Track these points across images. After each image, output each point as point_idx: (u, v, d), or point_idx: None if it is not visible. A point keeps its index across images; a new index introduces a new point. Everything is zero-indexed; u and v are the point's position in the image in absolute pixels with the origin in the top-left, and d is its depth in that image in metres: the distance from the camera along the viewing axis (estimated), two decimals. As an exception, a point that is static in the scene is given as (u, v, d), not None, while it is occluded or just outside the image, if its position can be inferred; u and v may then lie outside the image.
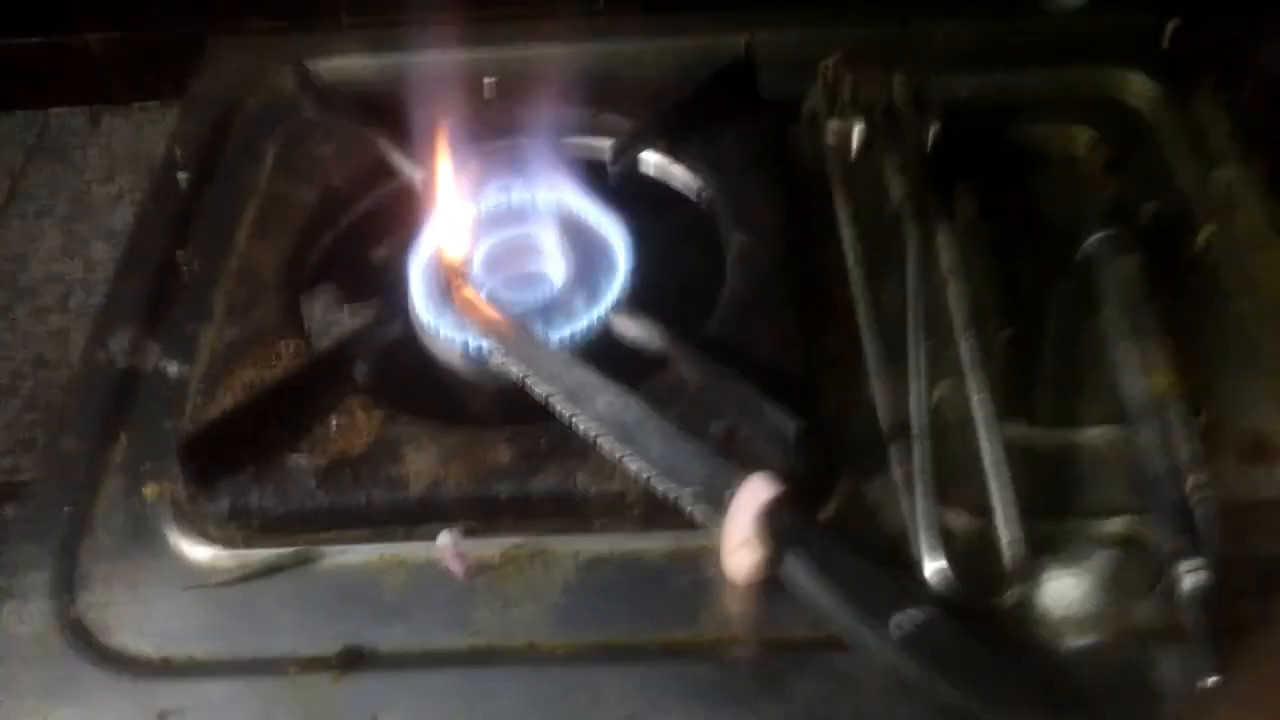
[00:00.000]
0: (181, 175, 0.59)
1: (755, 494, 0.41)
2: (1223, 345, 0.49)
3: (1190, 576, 0.40)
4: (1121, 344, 0.48)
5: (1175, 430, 0.44)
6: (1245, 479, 0.44)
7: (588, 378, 0.45)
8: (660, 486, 0.42)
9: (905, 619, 0.38)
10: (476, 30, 0.65)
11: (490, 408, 0.49)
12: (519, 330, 0.47)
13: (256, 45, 0.68)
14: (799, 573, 0.40)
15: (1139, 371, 0.46)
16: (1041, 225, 0.54)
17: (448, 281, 0.50)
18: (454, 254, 0.51)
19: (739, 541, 0.40)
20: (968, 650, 0.38)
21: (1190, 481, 0.42)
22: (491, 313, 0.48)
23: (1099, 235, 0.51)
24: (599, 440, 0.43)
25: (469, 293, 0.49)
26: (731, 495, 0.41)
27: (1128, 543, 0.42)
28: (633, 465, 0.43)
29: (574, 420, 0.44)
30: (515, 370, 0.46)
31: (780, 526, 0.40)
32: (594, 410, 0.44)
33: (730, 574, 0.41)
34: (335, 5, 0.76)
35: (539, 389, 0.45)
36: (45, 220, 0.79)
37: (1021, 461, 0.44)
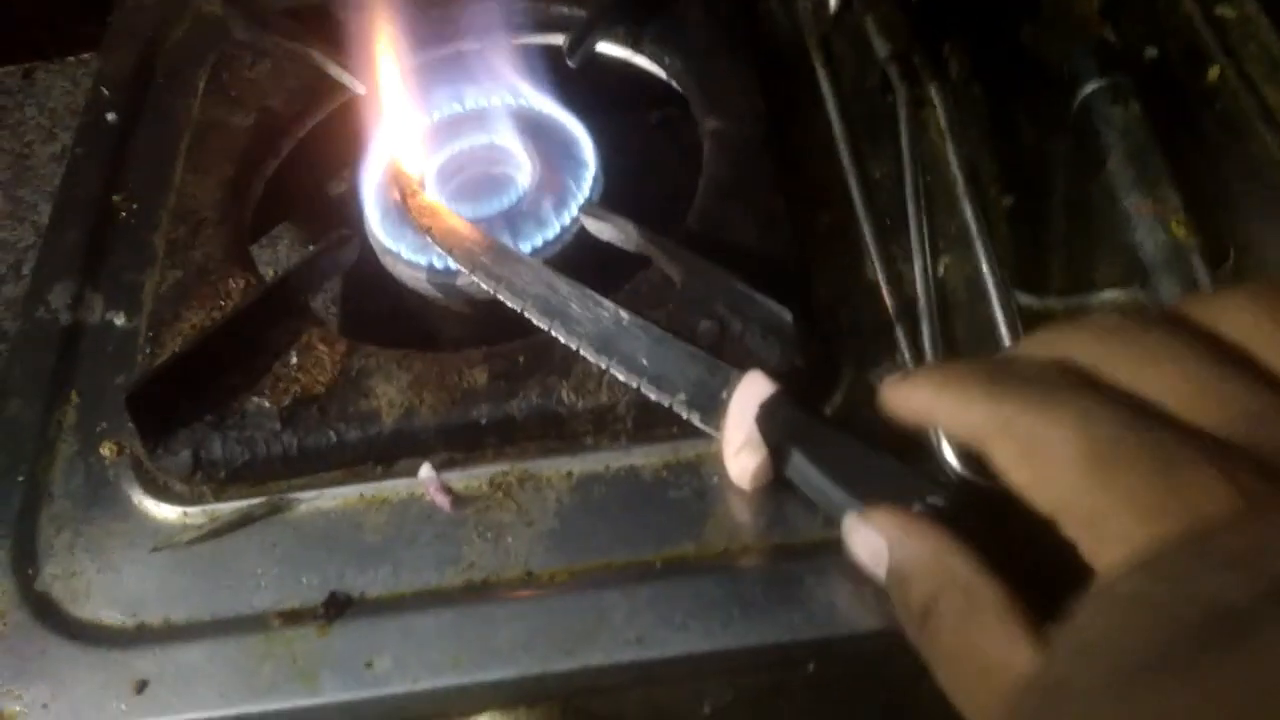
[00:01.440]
0: (110, 116, 0.55)
1: (753, 392, 0.38)
2: (1243, 186, 0.46)
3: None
4: (1130, 196, 0.44)
5: (1200, 281, 0.41)
6: None
7: (564, 286, 0.42)
8: (651, 394, 0.40)
9: (926, 507, 0.35)
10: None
11: (460, 328, 0.46)
12: (486, 242, 0.44)
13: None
14: (807, 471, 0.37)
15: (1153, 223, 0.43)
16: (1037, 78, 0.50)
17: (404, 197, 0.46)
18: (409, 168, 0.47)
19: (740, 444, 0.38)
20: (995, 535, 0.35)
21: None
22: (455, 224, 0.45)
23: (1095, 85, 0.47)
24: (581, 352, 0.40)
25: (430, 203, 0.46)
26: (728, 396, 0.38)
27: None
28: (620, 375, 0.40)
29: (552, 333, 0.41)
30: (485, 285, 0.43)
31: (782, 424, 0.37)
32: (573, 320, 0.41)
33: (734, 479, 0.39)
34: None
35: (512, 303, 0.42)
36: (-12, 188, 0.75)
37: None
